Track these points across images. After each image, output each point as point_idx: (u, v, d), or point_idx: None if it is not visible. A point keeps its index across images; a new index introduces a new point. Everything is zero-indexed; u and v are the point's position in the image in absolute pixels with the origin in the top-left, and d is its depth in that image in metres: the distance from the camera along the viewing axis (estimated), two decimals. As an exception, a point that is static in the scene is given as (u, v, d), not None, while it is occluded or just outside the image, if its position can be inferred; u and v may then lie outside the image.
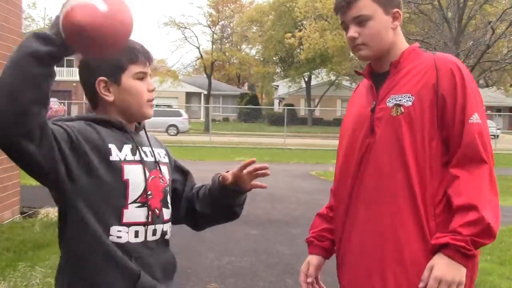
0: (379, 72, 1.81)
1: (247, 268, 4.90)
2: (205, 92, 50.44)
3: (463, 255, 1.57)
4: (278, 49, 41.89)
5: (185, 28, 42.41)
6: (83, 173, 1.45)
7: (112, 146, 1.51)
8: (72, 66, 48.92)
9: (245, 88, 60.60)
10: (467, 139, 1.62)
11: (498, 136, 34.29)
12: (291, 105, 42.46)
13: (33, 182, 11.95)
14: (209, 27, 49.29)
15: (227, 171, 1.70)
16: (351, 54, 35.50)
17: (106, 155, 1.49)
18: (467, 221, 1.57)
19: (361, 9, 1.71)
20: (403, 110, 1.66)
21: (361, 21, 1.72)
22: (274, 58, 46.05)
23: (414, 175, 1.64)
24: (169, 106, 44.98)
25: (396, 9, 1.76)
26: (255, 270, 4.88)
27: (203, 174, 11.60)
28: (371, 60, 1.81)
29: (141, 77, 1.57)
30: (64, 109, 30.83)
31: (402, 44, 1.80)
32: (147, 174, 1.56)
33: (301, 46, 36.23)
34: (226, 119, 48.49)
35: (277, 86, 52.76)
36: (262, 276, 4.70)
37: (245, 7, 51.42)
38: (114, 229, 1.49)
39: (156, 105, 44.12)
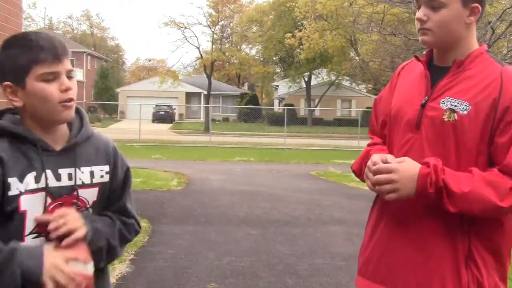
0: (438, 64, 1.71)
1: (247, 268, 4.90)
2: (205, 92, 50.38)
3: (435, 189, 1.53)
4: (278, 49, 41.88)
5: (185, 28, 42.39)
6: None
7: (12, 180, 1.39)
8: (72, 66, 48.88)
9: (245, 88, 60.58)
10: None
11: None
12: (291, 105, 42.44)
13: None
14: (209, 27, 49.22)
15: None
16: (351, 54, 35.60)
17: (5, 191, 1.38)
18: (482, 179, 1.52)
19: None
20: (456, 118, 1.58)
21: (434, 6, 1.62)
22: (274, 58, 46.03)
23: None
24: (169, 106, 44.98)
25: (476, 4, 1.63)
26: (255, 270, 4.88)
27: (203, 174, 11.67)
28: (433, 47, 1.71)
29: (50, 78, 1.42)
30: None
31: (472, 42, 1.69)
32: (48, 201, 1.44)
33: (301, 46, 36.22)
34: (226, 119, 48.48)
35: (277, 86, 52.72)
36: (262, 276, 4.70)
37: (245, 7, 51.42)
38: None
39: (156, 105, 44.23)
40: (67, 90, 1.44)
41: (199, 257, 5.25)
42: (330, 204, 8.89)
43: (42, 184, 1.43)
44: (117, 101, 46.85)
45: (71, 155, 1.50)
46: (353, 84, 43.71)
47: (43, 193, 1.43)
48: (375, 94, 47.25)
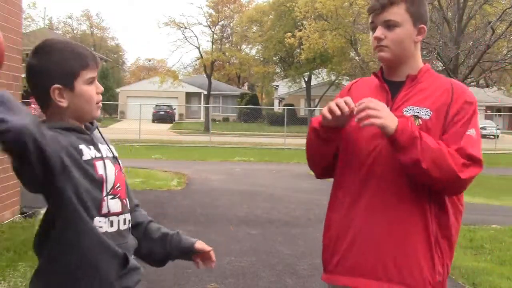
0: (390, 79, 1.95)
1: (247, 268, 4.90)
2: (205, 92, 50.33)
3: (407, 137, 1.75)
4: (278, 49, 41.85)
5: (185, 28, 42.40)
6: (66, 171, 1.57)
7: (82, 147, 1.63)
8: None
9: (245, 88, 60.57)
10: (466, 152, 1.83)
11: (498, 136, 34.30)
12: (291, 105, 42.43)
13: (33, 182, 11.95)
14: (209, 27, 49.18)
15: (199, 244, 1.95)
16: (351, 54, 35.56)
17: (80, 156, 1.61)
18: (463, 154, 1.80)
19: (393, 14, 1.86)
20: (421, 122, 1.84)
21: (390, 25, 1.87)
22: (274, 58, 46.00)
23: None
24: (169, 106, 44.97)
25: (422, 25, 1.91)
26: (255, 270, 4.88)
27: (203, 174, 11.65)
28: (388, 63, 1.94)
29: (92, 81, 1.66)
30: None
31: (419, 59, 1.97)
32: (114, 168, 1.71)
33: (301, 46, 36.22)
34: (226, 119, 48.47)
35: (277, 86, 52.69)
36: (262, 276, 4.70)
37: (245, 7, 51.40)
38: (97, 220, 1.62)
39: (156, 105, 44.23)
40: (100, 92, 1.70)
41: (199, 257, 5.25)
42: (330, 204, 8.89)
43: (100, 154, 1.68)
44: (117, 101, 46.86)
45: (99, 136, 1.77)
46: (353, 84, 43.64)
47: (108, 161, 1.69)
48: (375, 94, 47.20)
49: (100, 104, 1.71)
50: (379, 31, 1.87)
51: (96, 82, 1.68)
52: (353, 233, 1.89)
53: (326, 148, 1.95)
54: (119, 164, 1.77)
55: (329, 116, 1.79)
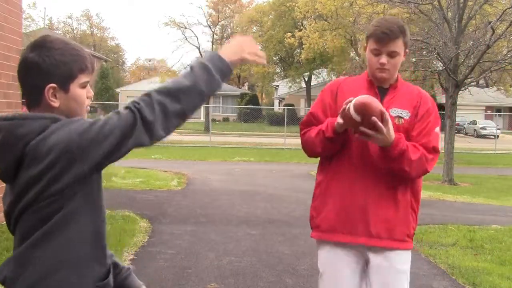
0: (378, 85, 2.51)
1: (247, 268, 4.90)
2: (205, 92, 50.27)
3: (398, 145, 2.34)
4: (278, 49, 41.86)
5: (185, 28, 42.40)
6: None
7: None
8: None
9: (245, 88, 60.56)
10: (427, 144, 2.43)
11: (498, 136, 34.29)
12: (291, 105, 42.41)
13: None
14: (209, 27, 49.18)
15: None
16: (351, 54, 35.57)
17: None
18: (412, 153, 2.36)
19: (397, 46, 2.40)
20: (403, 122, 2.42)
21: (393, 55, 2.41)
22: (274, 58, 46.01)
23: None
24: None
25: (407, 50, 2.47)
26: (255, 270, 4.88)
27: (203, 174, 11.64)
28: (386, 81, 2.49)
29: (85, 85, 1.64)
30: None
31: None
32: None
33: (301, 46, 36.22)
34: (226, 119, 48.46)
35: (277, 86, 52.67)
36: (262, 276, 4.70)
37: (245, 7, 51.41)
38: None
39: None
40: (91, 97, 1.68)
41: (199, 257, 5.25)
42: (330, 204, 8.89)
43: None
44: (117, 101, 46.88)
45: None
46: (353, 84, 43.64)
47: None
48: (375, 94, 47.26)
49: (88, 108, 1.69)
50: (384, 58, 2.40)
51: (88, 86, 1.66)
52: (358, 204, 2.39)
53: (336, 145, 2.43)
54: None
55: (341, 121, 2.29)
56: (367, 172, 2.39)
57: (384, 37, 2.36)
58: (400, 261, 2.43)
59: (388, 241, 2.39)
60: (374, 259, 2.42)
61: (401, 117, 2.41)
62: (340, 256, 2.45)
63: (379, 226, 2.38)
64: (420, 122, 2.43)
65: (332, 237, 2.45)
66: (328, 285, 2.49)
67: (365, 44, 2.51)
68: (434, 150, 2.39)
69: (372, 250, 2.42)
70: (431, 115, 2.45)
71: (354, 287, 2.45)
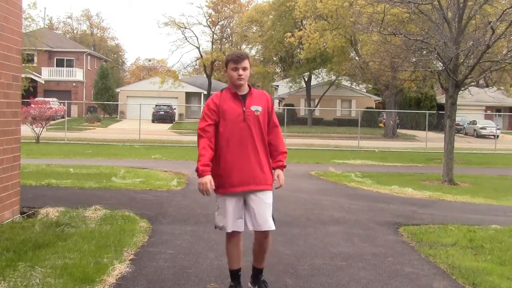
0: (239, 93, 4.03)
1: (247, 268, 4.89)
2: (205, 92, 50.35)
3: (284, 168, 4.18)
4: (278, 49, 41.84)
5: (185, 28, 42.42)
6: None
7: None
8: (72, 66, 48.86)
9: (245, 88, 60.49)
10: (274, 122, 4.15)
11: (498, 136, 34.29)
12: (291, 105, 42.41)
13: (33, 182, 11.74)
14: (209, 27, 49.18)
15: None
16: (351, 54, 35.57)
17: None
18: (284, 157, 4.16)
19: (247, 63, 3.99)
20: (259, 114, 4.01)
21: (245, 69, 3.98)
22: (274, 58, 46.00)
23: (263, 140, 4.08)
24: (169, 106, 44.96)
25: (252, 67, 4.11)
26: (255, 270, 4.86)
27: (203, 174, 11.00)
28: (242, 87, 4.03)
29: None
30: (64, 109, 30.81)
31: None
32: None
33: (301, 46, 36.21)
34: (226, 119, 48.35)
35: (277, 86, 52.66)
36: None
37: (244, 6, 51.36)
38: None
39: (156, 105, 44.20)
40: None
41: (199, 257, 5.25)
42: (330, 204, 8.89)
43: None
44: (117, 101, 46.85)
45: None
46: (353, 84, 43.66)
47: None
48: (375, 94, 47.31)
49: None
50: (240, 71, 3.95)
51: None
52: (238, 166, 3.96)
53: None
54: None
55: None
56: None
57: (237, 57, 3.96)
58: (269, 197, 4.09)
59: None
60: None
61: (258, 111, 3.99)
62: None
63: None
64: (271, 115, 4.10)
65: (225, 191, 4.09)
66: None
67: (225, 68, 4.02)
68: (278, 126, 4.17)
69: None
70: (273, 110, 4.18)
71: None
